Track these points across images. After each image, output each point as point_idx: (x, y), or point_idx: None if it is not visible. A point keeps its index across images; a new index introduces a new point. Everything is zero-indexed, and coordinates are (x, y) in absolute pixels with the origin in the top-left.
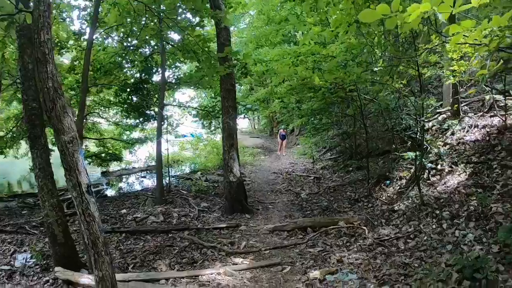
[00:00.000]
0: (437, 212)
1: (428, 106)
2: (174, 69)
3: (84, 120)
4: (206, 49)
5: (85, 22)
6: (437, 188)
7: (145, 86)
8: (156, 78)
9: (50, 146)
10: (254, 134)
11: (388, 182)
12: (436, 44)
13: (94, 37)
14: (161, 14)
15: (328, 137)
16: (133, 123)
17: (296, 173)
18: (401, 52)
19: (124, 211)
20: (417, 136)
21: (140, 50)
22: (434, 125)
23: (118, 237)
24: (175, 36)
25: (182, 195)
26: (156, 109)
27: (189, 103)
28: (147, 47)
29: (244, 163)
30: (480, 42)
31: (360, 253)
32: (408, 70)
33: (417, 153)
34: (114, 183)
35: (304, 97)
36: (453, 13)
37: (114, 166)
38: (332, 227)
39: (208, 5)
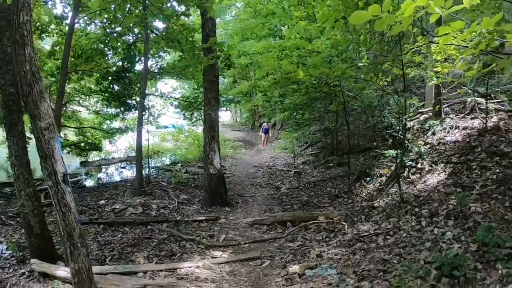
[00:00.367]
0: (417, 210)
1: (410, 106)
2: (157, 58)
3: (64, 108)
4: (191, 39)
5: (68, 6)
6: (417, 186)
7: (127, 74)
8: (139, 67)
9: (28, 134)
10: (236, 127)
11: (368, 179)
12: (421, 44)
13: (76, 21)
14: (146, 1)
15: (310, 133)
16: (113, 113)
17: (276, 167)
18: (387, 51)
19: (102, 202)
20: (399, 135)
21: (123, 37)
22: (416, 125)
23: (95, 228)
24: (159, 24)
25: (161, 186)
26: (138, 99)
27: (172, 93)
28: (131, 34)
29: (225, 156)
30: (468, 44)
31: (339, 248)
32: (393, 69)
33: (398, 151)
34: (93, 173)
35: (288, 92)
36: (443, 14)
37: (93, 156)
38: (311, 222)
39: None
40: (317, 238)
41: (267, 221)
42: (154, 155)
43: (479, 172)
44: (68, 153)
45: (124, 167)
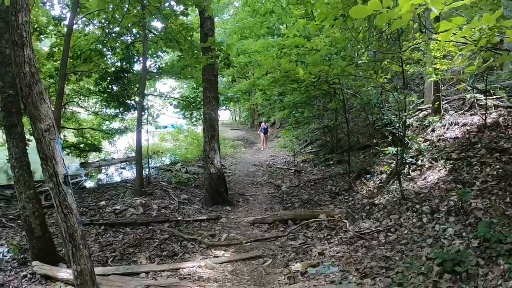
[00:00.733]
0: (417, 206)
1: (410, 103)
2: (156, 58)
3: (63, 109)
4: (189, 38)
5: (66, 7)
6: (417, 183)
7: (126, 75)
8: (138, 67)
9: (27, 136)
10: (235, 126)
11: (368, 176)
12: (421, 41)
13: (74, 22)
14: (144, 1)
15: (310, 131)
16: (113, 113)
17: (277, 165)
18: (386, 48)
19: (103, 203)
20: (398, 132)
21: (121, 37)
22: (415, 122)
23: (97, 229)
24: (158, 24)
25: (162, 186)
26: (137, 99)
27: (171, 93)
28: (129, 35)
29: (225, 155)
30: (469, 40)
31: (341, 246)
32: (392, 66)
33: (398, 148)
34: (93, 174)
35: (287, 90)
36: (444, 10)
37: (93, 157)
38: (313, 220)
39: None
40: (318, 236)
41: (268, 219)
42: (154, 155)
43: (479, 168)
44: (68, 154)
45: (124, 168)
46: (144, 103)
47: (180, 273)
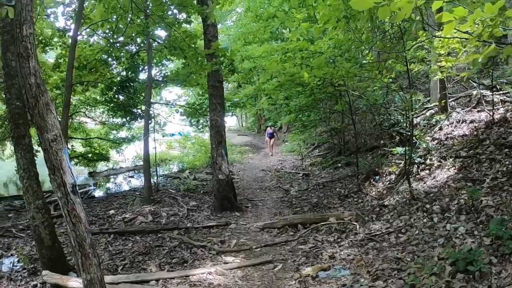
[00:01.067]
0: (428, 206)
1: (416, 102)
2: (160, 66)
3: (70, 119)
4: (193, 45)
5: (70, 19)
6: (427, 183)
7: (132, 84)
8: (143, 76)
9: (35, 147)
10: (242, 132)
11: (377, 177)
12: (424, 39)
13: (79, 33)
14: (147, 10)
15: (317, 134)
16: (120, 122)
17: (285, 170)
18: (390, 48)
19: (112, 211)
20: (406, 131)
21: (126, 47)
22: (422, 121)
23: (106, 238)
24: (161, 33)
25: (170, 194)
26: (143, 108)
27: (177, 101)
28: (133, 44)
29: (232, 161)
30: (472, 32)
31: (351, 248)
32: (396, 65)
33: (406, 148)
34: (102, 183)
35: (292, 94)
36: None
37: (101, 166)
38: (322, 223)
39: (195, 1)
40: (328, 239)
41: (277, 224)
42: (161, 163)
43: (488, 165)
44: (76, 164)
45: (132, 176)
46: (151, 112)
47: (190, 280)
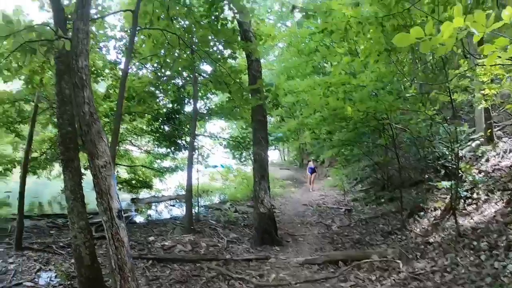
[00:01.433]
0: (475, 243)
1: (461, 133)
2: (205, 100)
3: (117, 147)
4: (238, 80)
5: (121, 52)
6: (474, 218)
7: (177, 116)
8: (188, 108)
9: (83, 171)
10: (284, 166)
11: (422, 213)
12: (466, 68)
13: (129, 67)
14: (194, 46)
15: (359, 168)
16: (164, 152)
17: (326, 205)
18: (432, 79)
19: (152, 238)
20: (451, 164)
21: (173, 80)
22: (468, 152)
23: (144, 263)
24: (207, 67)
25: (211, 225)
26: (188, 139)
27: (220, 134)
28: (180, 78)
29: (274, 195)
30: None
31: (394, 287)
32: (440, 96)
33: (452, 182)
34: (143, 209)
35: (335, 128)
36: (486, 32)
37: (143, 193)
38: (364, 260)
39: (239, 38)
40: (370, 277)
41: (318, 260)
42: (203, 194)
43: None
44: (120, 189)
45: (173, 205)
46: (195, 143)
47: None
